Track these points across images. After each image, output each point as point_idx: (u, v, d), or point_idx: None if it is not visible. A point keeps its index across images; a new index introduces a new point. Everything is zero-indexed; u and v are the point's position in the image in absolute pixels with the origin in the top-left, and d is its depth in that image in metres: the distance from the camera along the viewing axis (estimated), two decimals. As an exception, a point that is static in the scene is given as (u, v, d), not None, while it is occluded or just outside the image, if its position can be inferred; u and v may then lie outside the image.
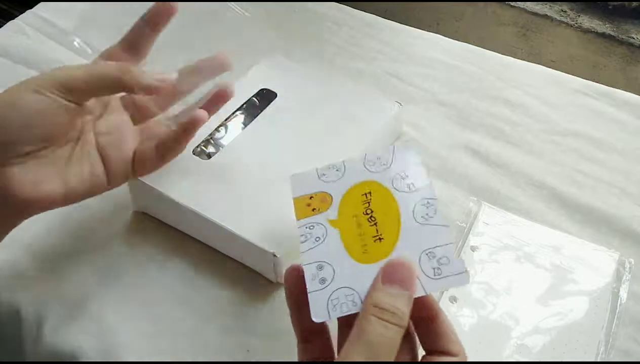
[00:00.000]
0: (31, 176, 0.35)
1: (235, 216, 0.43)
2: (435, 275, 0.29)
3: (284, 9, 0.73)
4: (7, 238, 0.38)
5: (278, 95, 0.53)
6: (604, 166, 0.53)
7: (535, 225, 0.47)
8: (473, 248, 0.45)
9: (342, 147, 0.48)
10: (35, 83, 0.35)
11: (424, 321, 0.30)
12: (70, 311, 0.42)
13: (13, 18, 0.68)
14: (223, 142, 0.48)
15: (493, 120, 0.58)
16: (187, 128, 0.41)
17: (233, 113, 0.50)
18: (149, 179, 0.44)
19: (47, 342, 0.41)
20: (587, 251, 0.45)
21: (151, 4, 0.41)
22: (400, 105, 0.53)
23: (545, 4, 0.96)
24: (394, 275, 0.28)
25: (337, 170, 0.35)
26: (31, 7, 0.70)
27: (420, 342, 0.30)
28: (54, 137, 0.36)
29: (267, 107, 0.52)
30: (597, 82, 0.63)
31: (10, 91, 0.35)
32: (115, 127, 0.41)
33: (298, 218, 0.33)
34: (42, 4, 0.70)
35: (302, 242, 0.32)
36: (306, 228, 0.32)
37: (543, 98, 0.60)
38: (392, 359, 0.26)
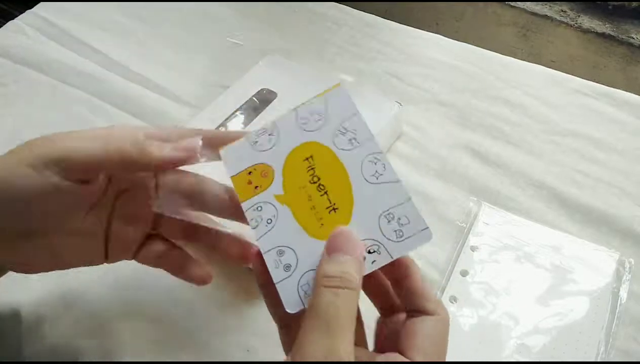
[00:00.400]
0: (22, 262, 0.32)
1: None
2: (398, 238, 0.28)
3: (284, 9, 0.73)
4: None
5: (278, 95, 0.53)
6: (604, 166, 0.53)
7: (535, 225, 0.47)
8: (473, 248, 0.45)
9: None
10: (33, 156, 0.29)
11: (399, 281, 0.29)
12: (70, 311, 0.42)
13: (13, 18, 0.68)
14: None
15: (493, 120, 0.58)
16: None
17: (233, 113, 0.50)
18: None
19: (47, 342, 0.41)
20: (587, 251, 0.45)
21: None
22: (400, 105, 0.53)
23: (545, 4, 0.96)
24: (335, 244, 0.27)
25: (270, 135, 0.31)
26: (31, 7, 0.70)
27: (401, 303, 0.30)
28: (51, 222, 0.31)
29: (267, 107, 0.52)
30: (597, 82, 0.63)
31: (5, 162, 0.29)
32: (134, 213, 0.34)
33: (242, 200, 0.30)
34: (42, 4, 0.70)
35: (254, 228, 0.29)
36: (254, 210, 0.30)
37: (543, 99, 0.60)
38: (352, 325, 0.25)
